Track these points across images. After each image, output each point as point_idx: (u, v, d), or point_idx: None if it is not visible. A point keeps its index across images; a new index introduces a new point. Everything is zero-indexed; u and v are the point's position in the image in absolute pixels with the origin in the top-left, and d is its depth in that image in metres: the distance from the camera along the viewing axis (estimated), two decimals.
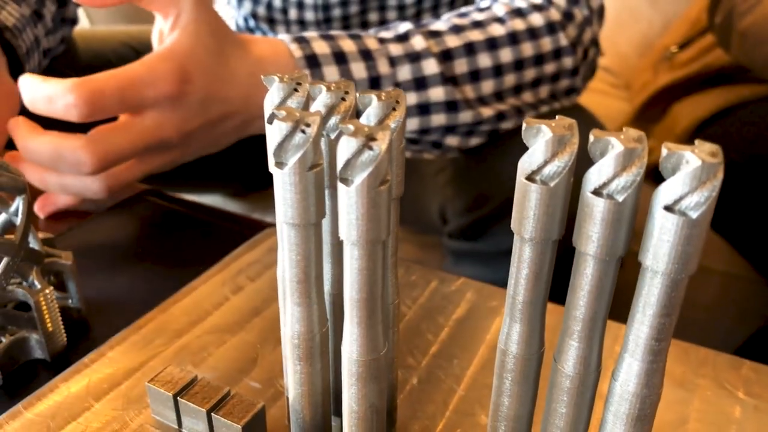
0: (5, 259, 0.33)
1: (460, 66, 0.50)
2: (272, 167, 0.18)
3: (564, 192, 0.17)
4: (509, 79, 0.53)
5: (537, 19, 0.53)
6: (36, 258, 0.35)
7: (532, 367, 0.20)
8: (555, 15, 0.55)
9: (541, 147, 0.17)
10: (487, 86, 0.51)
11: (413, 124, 0.49)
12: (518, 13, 0.54)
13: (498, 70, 0.51)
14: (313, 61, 0.46)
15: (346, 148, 0.16)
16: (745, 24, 0.94)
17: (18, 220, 0.34)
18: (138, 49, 0.78)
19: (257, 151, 0.57)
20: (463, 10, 0.55)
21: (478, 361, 0.30)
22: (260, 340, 0.31)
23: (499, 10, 0.54)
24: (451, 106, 0.50)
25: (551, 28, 0.54)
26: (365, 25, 0.67)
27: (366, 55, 0.47)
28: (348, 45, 0.47)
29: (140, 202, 0.49)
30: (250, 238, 0.39)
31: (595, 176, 0.16)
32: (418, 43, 0.49)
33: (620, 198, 0.16)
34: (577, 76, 0.58)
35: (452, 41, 0.50)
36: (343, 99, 0.19)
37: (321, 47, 0.46)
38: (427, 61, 0.48)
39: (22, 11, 0.52)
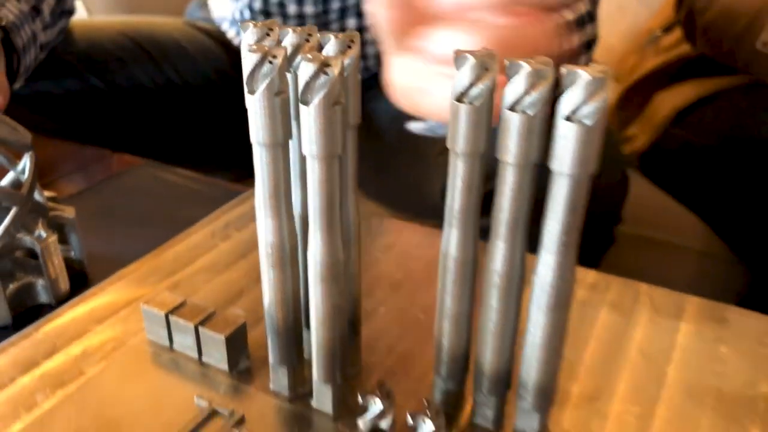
0: (14, 209, 0.37)
1: None
2: (246, 95, 0.21)
3: (487, 111, 0.20)
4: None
5: None
6: (41, 211, 0.39)
7: (468, 268, 0.23)
8: None
9: (467, 72, 0.20)
10: None
11: None
12: None
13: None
14: None
15: (305, 72, 0.20)
16: (705, 20, 0.96)
17: (25, 177, 0.38)
18: (136, 39, 0.81)
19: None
20: None
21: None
22: (245, 278, 0.34)
23: None
24: None
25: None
26: (361, 15, 0.71)
27: None
28: None
29: (140, 173, 0.53)
30: None
31: (509, 95, 0.20)
32: None
33: (531, 112, 0.20)
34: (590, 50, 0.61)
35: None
36: (308, 40, 0.23)
37: None
38: None
39: (21, 7, 0.55)
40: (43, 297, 0.39)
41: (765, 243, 0.92)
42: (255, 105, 0.21)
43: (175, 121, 0.81)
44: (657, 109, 1.10)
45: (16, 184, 0.38)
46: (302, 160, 0.24)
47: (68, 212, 0.41)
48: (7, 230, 0.36)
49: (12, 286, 0.38)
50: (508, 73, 0.20)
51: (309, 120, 0.20)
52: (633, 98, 1.17)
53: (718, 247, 0.91)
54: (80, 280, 0.41)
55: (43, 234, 0.38)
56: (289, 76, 0.22)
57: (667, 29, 1.18)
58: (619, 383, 0.28)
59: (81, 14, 1.40)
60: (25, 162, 0.38)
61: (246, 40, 0.22)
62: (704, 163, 0.98)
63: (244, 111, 0.22)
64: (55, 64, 0.70)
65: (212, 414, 0.26)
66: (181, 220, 0.46)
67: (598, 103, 0.19)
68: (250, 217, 0.40)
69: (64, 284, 0.39)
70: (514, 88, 0.19)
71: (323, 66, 0.20)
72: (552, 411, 0.26)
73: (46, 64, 0.66)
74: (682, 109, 1.05)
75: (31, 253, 0.39)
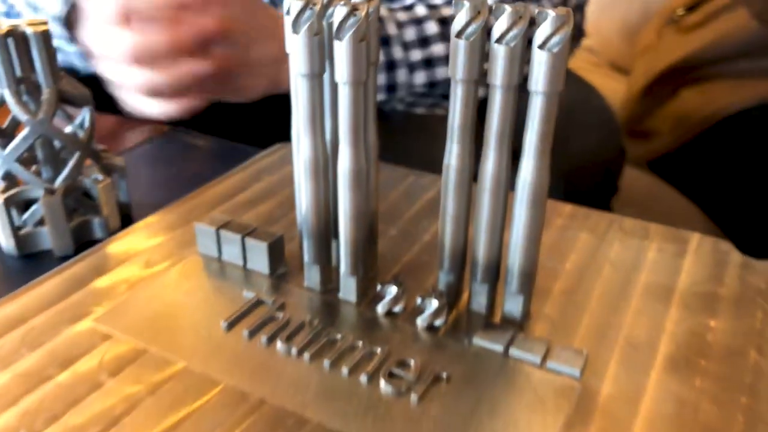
0: (76, 154, 0.43)
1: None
2: (290, 36, 0.27)
3: (480, 45, 0.26)
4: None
5: None
6: (98, 157, 0.45)
7: (465, 175, 0.29)
8: None
9: (463, 14, 0.26)
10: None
11: (421, 77, 0.59)
12: None
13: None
14: None
15: (339, 14, 0.26)
16: None
17: (85, 127, 0.44)
18: None
19: (276, 113, 0.67)
20: None
21: None
22: (279, 209, 0.41)
23: None
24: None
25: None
26: None
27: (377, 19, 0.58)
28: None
29: (173, 137, 0.59)
30: None
31: (496, 31, 0.26)
32: (421, 11, 0.59)
33: (512, 44, 0.26)
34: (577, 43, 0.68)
35: (446, 11, 0.60)
36: None
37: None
38: (428, 23, 0.58)
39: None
40: (98, 233, 0.45)
41: (759, 230, 0.93)
42: (298, 43, 0.27)
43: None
44: (686, 110, 1.04)
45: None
46: (332, 92, 0.30)
47: (118, 161, 0.47)
48: (71, 172, 0.42)
49: (73, 222, 0.44)
50: (495, 15, 0.26)
51: (341, 52, 0.26)
52: (656, 89, 1.12)
53: (712, 231, 0.95)
54: (127, 221, 0.47)
55: (100, 177, 0.44)
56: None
57: (691, 8, 1.13)
58: (593, 284, 0.34)
59: None
60: (85, 114, 0.44)
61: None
62: (730, 167, 0.95)
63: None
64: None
65: (258, 303, 0.32)
66: (214, 177, 0.52)
67: (562, 35, 0.25)
68: (280, 164, 0.46)
69: (115, 222, 0.45)
70: (499, 26, 0.25)
71: (353, 9, 0.26)
72: (534, 302, 0.32)
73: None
74: (720, 120, 0.99)
75: (88, 195, 0.45)
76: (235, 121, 0.76)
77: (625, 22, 1.42)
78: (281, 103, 0.61)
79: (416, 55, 0.59)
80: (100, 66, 0.52)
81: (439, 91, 0.62)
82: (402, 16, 0.58)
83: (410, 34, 0.58)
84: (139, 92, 0.50)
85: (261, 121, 0.82)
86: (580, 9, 0.71)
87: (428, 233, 0.38)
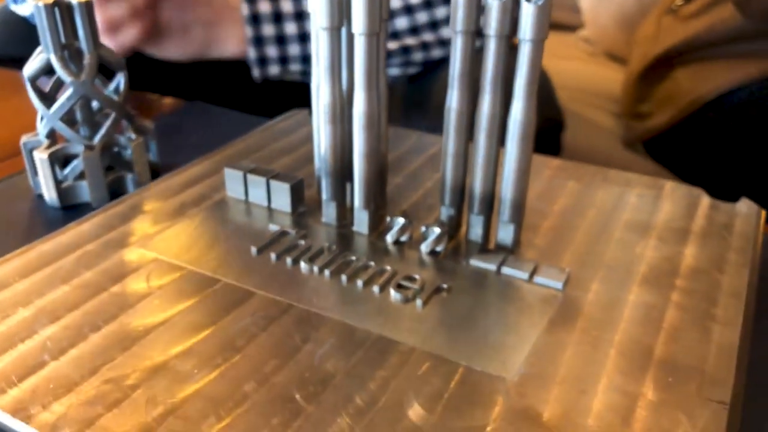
0: (113, 114, 0.47)
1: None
2: None
3: (475, 1, 0.31)
4: (421, 17, 0.67)
5: None
6: (131, 118, 0.49)
7: (464, 117, 0.33)
8: None
9: None
10: (401, 23, 0.65)
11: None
12: None
13: (409, 10, 0.66)
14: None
15: None
16: None
17: (121, 90, 0.48)
18: None
19: (281, 97, 0.72)
20: None
21: None
22: (295, 163, 0.45)
23: None
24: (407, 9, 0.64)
25: None
26: None
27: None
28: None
29: (193, 109, 0.64)
30: None
31: None
32: None
33: None
34: None
35: None
36: None
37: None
38: None
39: None
40: (131, 188, 0.49)
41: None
42: (321, 4, 0.32)
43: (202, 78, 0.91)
44: (679, 90, 1.08)
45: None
46: (348, 45, 0.34)
47: (148, 123, 0.51)
48: (108, 130, 0.47)
49: (109, 177, 0.48)
50: None
51: (358, 7, 0.31)
52: (651, 73, 1.17)
53: None
54: (155, 178, 0.51)
55: (133, 136, 0.49)
56: None
57: None
58: (579, 222, 0.38)
59: None
60: (120, 78, 0.48)
61: None
62: (724, 145, 0.99)
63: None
64: None
65: (282, 233, 0.37)
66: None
67: None
68: (296, 127, 0.51)
69: (146, 178, 0.50)
70: None
71: None
72: (524, 234, 0.37)
73: None
74: (712, 99, 1.03)
75: (121, 154, 0.49)
76: (246, 96, 0.81)
77: (622, 12, 1.45)
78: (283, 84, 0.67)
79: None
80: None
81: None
82: None
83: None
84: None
85: (269, 97, 0.86)
86: None
87: (431, 180, 0.43)
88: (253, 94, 0.87)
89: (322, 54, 0.33)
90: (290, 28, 0.64)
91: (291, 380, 0.26)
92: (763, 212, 0.40)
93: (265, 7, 0.63)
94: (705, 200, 0.41)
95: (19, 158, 0.50)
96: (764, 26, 0.98)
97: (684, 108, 1.04)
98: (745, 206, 0.40)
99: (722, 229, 0.38)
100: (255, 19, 0.63)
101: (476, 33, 0.32)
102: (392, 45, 0.66)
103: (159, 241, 0.36)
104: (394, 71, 0.68)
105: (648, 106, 1.13)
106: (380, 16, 0.32)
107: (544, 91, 0.79)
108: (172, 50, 0.63)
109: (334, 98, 0.34)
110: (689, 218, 0.39)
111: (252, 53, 0.64)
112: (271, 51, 0.64)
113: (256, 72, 0.65)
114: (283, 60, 0.66)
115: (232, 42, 0.64)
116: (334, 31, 0.33)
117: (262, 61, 0.65)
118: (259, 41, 0.64)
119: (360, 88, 0.33)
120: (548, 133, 0.76)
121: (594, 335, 0.29)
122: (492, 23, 0.31)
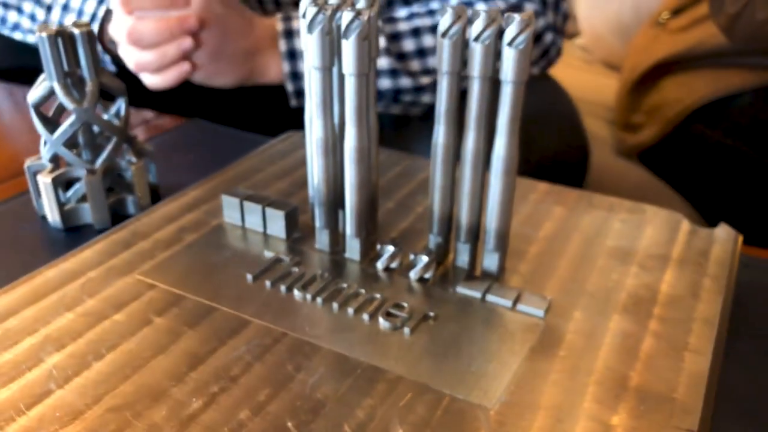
0: (114, 139, 0.49)
1: (407, 45, 0.66)
2: (305, 35, 0.33)
3: (460, 44, 0.32)
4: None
5: (481, 6, 0.69)
6: (131, 142, 0.51)
7: (450, 151, 0.35)
8: (501, 4, 0.71)
9: (447, 17, 0.32)
10: (432, 60, 0.67)
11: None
12: (467, 4, 0.70)
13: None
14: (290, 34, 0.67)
15: (346, 17, 0.32)
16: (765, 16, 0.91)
17: (121, 115, 0.50)
18: None
19: (282, 112, 0.74)
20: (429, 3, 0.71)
21: None
22: (292, 187, 0.47)
23: (453, 1, 0.70)
24: (393, 74, 0.67)
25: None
26: None
27: None
28: None
29: (191, 127, 0.65)
30: None
31: (474, 32, 0.31)
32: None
33: (487, 43, 0.31)
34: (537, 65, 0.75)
35: (402, 26, 0.67)
36: (344, 1, 0.35)
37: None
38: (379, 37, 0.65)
39: None
40: (131, 209, 0.51)
41: (742, 223, 0.99)
42: (312, 42, 0.33)
43: (200, 97, 0.93)
44: (666, 101, 1.11)
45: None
46: (339, 82, 0.36)
47: (148, 146, 0.53)
48: (109, 155, 0.48)
49: (110, 199, 0.50)
50: (471, 19, 0.32)
51: (348, 49, 0.32)
52: (641, 84, 1.20)
53: (690, 215, 1.01)
54: (156, 199, 0.53)
55: (134, 159, 0.50)
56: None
57: (676, 12, 1.20)
58: (563, 248, 0.40)
59: None
60: (120, 104, 0.50)
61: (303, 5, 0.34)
62: (713, 157, 1.02)
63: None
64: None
65: (277, 260, 0.38)
66: (230, 162, 0.58)
67: (526, 35, 0.31)
68: (291, 150, 0.52)
69: (146, 200, 0.51)
70: (476, 27, 0.31)
71: (357, 14, 0.32)
72: (509, 261, 0.38)
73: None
74: (697, 108, 1.06)
75: (121, 176, 0.51)
76: (244, 114, 0.83)
77: (618, 21, 1.47)
78: (281, 98, 0.69)
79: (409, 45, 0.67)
80: (119, 50, 0.64)
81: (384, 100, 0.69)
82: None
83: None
84: (134, 67, 0.63)
85: (267, 114, 0.88)
86: (555, 8, 0.77)
87: (421, 206, 0.44)
88: (250, 110, 0.89)
89: (315, 91, 0.35)
90: None
91: (284, 409, 0.28)
92: (740, 237, 0.41)
93: (301, 44, 0.66)
94: (685, 225, 0.42)
95: (23, 179, 0.52)
96: (748, 46, 1.01)
97: (672, 119, 1.07)
98: (723, 232, 0.41)
99: (700, 255, 0.39)
100: (291, 55, 0.67)
101: (460, 74, 0.33)
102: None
103: (159, 269, 0.37)
104: (398, 109, 0.71)
105: (639, 116, 1.16)
106: (369, 56, 0.33)
107: (569, 121, 0.81)
108: (218, 80, 0.67)
109: (327, 133, 0.36)
110: (669, 244, 0.40)
111: (289, 86, 0.68)
112: None
113: (293, 102, 0.70)
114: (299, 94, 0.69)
115: (273, 70, 0.68)
116: (326, 71, 0.34)
117: (299, 93, 0.69)
118: (295, 76, 0.68)
119: (351, 124, 0.34)
120: (575, 163, 0.78)
121: (573, 363, 0.31)
122: (475, 65, 0.32)
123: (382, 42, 0.66)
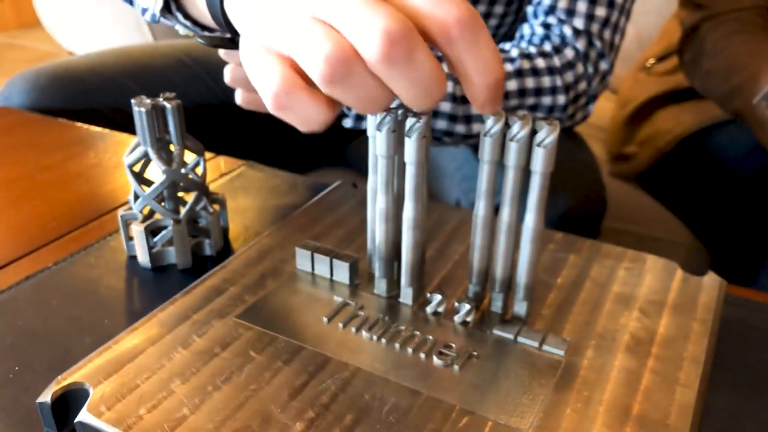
0: (195, 193, 0.58)
1: None
2: (375, 131, 0.42)
3: (499, 141, 0.41)
4: (512, 103, 0.76)
5: (540, 63, 0.76)
6: (208, 193, 0.60)
7: (488, 221, 0.44)
8: (557, 62, 0.77)
9: (490, 121, 0.40)
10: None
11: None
12: (527, 56, 0.77)
13: (505, 96, 0.75)
14: None
15: (410, 121, 0.40)
16: (711, 64, 1.03)
17: (200, 171, 0.58)
18: (188, 62, 1.01)
19: (301, 138, 0.82)
20: None
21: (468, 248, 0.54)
22: (348, 236, 0.55)
23: (513, 53, 0.77)
24: (451, 118, 0.74)
25: (551, 71, 0.77)
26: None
27: None
28: None
29: (246, 171, 0.74)
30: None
31: (511, 133, 0.40)
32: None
33: (521, 142, 0.40)
34: (565, 112, 0.81)
35: None
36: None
37: None
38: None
39: None
40: (208, 251, 0.60)
41: (727, 235, 1.09)
42: (381, 137, 0.42)
43: (230, 134, 1.01)
44: (658, 132, 1.22)
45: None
46: (401, 167, 0.44)
47: (220, 195, 0.62)
48: (192, 206, 0.57)
49: (191, 242, 0.58)
50: (510, 124, 0.40)
51: (410, 145, 0.41)
52: (636, 118, 1.31)
53: (685, 237, 1.10)
54: (226, 240, 0.62)
55: (210, 209, 0.59)
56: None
57: (661, 59, 1.31)
58: (578, 294, 0.49)
59: (148, 38, 1.61)
60: (199, 160, 0.59)
61: None
62: (700, 178, 1.13)
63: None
64: (114, 85, 0.91)
65: (344, 304, 0.47)
66: (287, 207, 0.67)
67: (551, 138, 0.39)
68: (343, 200, 0.61)
69: (219, 242, 0.60)
70: (513, 130, 0.40)
71: (419, 118, 0.40)
72: (534, 306, 0.47)
73: (106, 86, 0.87)
74: (685, 137, 1.16)
75: (196, 221, 0.60)
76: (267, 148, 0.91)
77: (624, 50, 1.55)
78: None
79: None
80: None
81: (436, 135, 0.77)
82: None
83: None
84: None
85: (293, 147, 0.97)
86: (602, 78, 0.82)
87: (457, 254, 0.53)
88: (274, 145, 0.97)
89: (380, 172, 0.43)
90: None
91: (367, 431, 0.37)
92: (725, 284, 0.50)
93: None
94: (678, 273, 0.51)
95: (106, 219, 0.61)
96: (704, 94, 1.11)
97: (663, 147, 1.18)
98: (710, 279, 0.50)
99: (690, 301, 0.48)
100: None
101: (499, 162, 0.42)
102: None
103: (251, 312, 0.46)
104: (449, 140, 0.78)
105: (632, 147, 1.26)
106: (426, 149, 0.42)
107: (588, 180, 0.87)
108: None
109: (388, 205, 0.44)
110: (665, 291, 0.49)
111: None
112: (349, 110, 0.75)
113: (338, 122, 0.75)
114: (359, 117, 0.76)
115: None
116: (390, 159, 0.43)
117: (340, 116, 0.74)
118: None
119: (409, 199, 0.43)
120: (590, 219, 0.85)
121: (587, 395, 0.39)
122: (511, 157, 0.41)
123: (450, 87, 0.72)
